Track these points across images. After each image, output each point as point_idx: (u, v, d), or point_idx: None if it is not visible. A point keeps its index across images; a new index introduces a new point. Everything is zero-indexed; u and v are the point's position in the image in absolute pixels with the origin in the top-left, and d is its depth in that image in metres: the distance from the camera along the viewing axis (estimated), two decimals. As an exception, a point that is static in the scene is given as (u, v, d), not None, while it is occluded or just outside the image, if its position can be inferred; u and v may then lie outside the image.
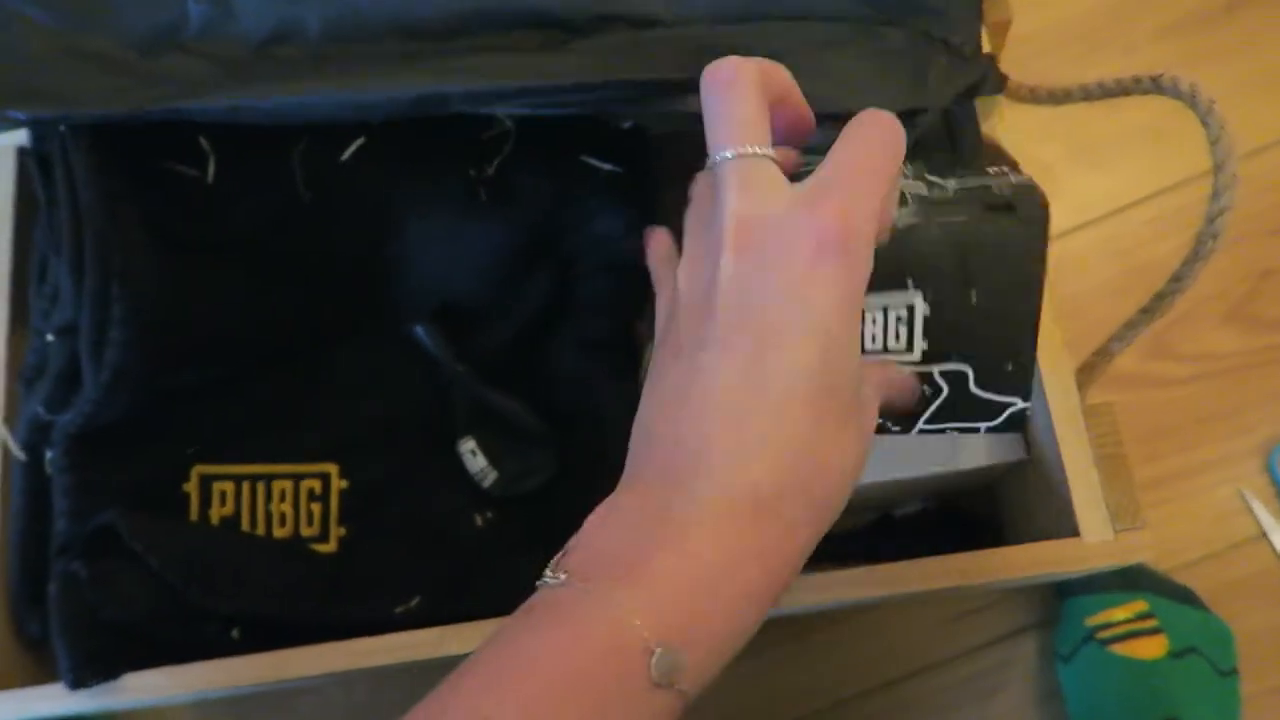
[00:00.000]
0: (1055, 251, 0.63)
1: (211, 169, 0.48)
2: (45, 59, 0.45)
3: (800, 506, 0.29)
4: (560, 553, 0.31)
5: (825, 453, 0.29)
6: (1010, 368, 0.37)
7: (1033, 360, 0.37)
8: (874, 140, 0.32)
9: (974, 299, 0.36)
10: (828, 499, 0.30)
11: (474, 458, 0.53)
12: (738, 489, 0.29)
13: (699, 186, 0.35)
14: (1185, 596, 0.54)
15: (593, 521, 0.31)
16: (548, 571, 0.30)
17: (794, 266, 0.29)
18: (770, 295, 0.29)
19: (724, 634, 0.28)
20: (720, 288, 0.30)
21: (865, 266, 0.30)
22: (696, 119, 0.40)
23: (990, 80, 0.42)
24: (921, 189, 0.37)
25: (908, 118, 0.41)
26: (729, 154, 0.31)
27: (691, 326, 0.31)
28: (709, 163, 0.32)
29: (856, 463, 0.31)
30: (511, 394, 0.53)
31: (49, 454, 0.46)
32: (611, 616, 0.27)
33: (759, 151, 0.31)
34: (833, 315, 0.29)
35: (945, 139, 0.45)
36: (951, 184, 0.37)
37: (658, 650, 0.27)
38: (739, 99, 0.32)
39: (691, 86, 0.40)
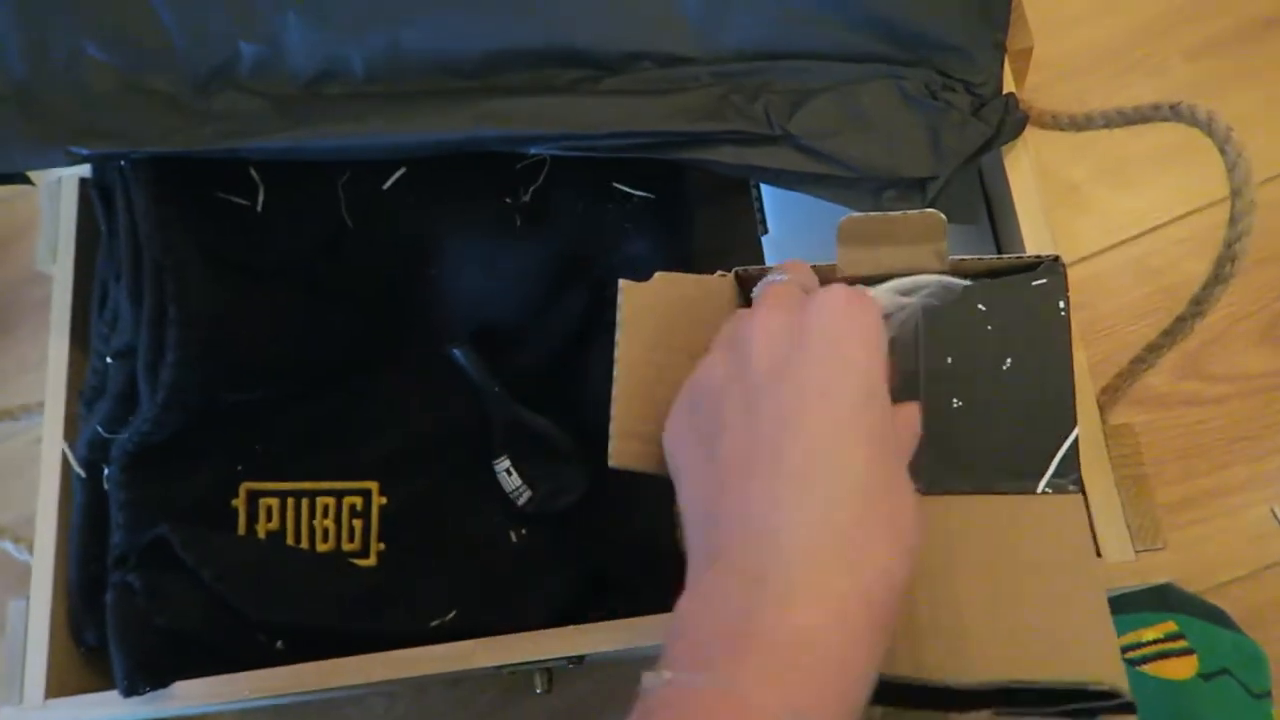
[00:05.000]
0: (1085, 272, 0.64)
1: (261, 199, 0.50)
2: (108, 97, 0.48)
3: (885, 543, 0.29)
4: (663, 651, 0.30)
5: (893, 488, 0.30)
6: None
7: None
8: None
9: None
10: (909, 529, 0.30)
11: (509, 476, 0.54)
12: (825, 545, 0.29)
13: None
14: (1217, 617, 0.54)
15: (685, 609, 0.30)
16: (651, 673, 0.29)
17: (823, 335, 0.31)
18: (808, 364, 0.31)
19: (845, 686, 0.28)
20: (758, 359, 0.31)
21: (879, 313, 0.33)
22: (718, 165, 0.42)
23: (1006, 129, 0.43)
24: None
25: (920, 185, 0.43)
26: (765, 280, 0.35)
27: (732, 397, 0.32)
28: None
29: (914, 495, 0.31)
30: (545, 413, 0.54)
31: (107, 471, 0.49)
32: (734, 698, 0.27)
33: (783, 277, 0.35)
34: (866, 361, 0.31)
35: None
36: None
37: (787, 718, 0.27)
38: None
39: (714, 139, 0.42)
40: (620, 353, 0.37)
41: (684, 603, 0.30)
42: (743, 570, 0.29)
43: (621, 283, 0.37)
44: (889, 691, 0.32)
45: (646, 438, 0.37)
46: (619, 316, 0.37)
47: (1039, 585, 0.35)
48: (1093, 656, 0.33)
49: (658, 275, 0.38)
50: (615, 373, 0.37)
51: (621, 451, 0.36)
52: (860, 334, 0.32)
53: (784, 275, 0.35)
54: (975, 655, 0.33)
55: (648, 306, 0.37)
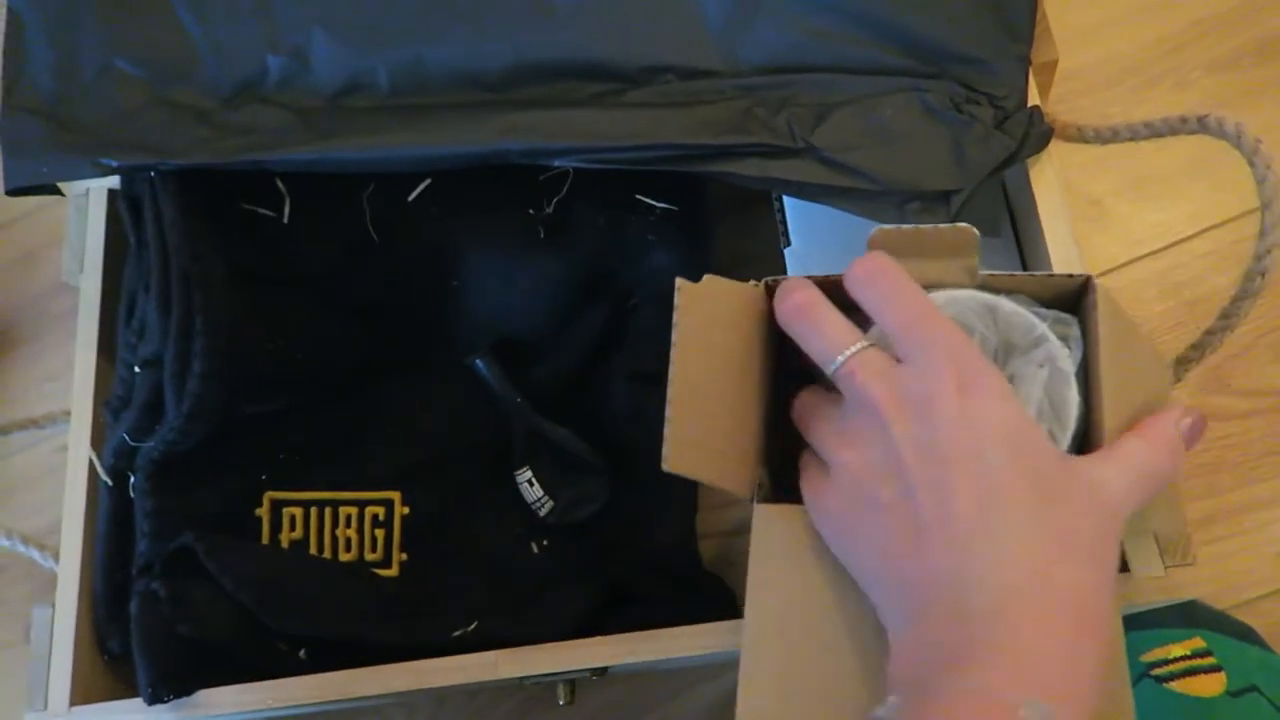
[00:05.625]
0: (1108, 286, 0.63)
1: (287, 210, 0.51)
2: (136, 110, 0.48)
3: (1068, 560, 0.32)
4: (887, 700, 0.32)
5: (1062, 515, 0.32)
6: None
7: None
8: None
9: None
10: (1089, 542, 0.33)
11: (531, 487, 0.54)
12: (1012, 574, 0.31)
13: (809, 398, 0.39)
14: (1244, 634, 0.53)
15: (900, 655, 0.33)
16: (881, 707, 0.32)
17: (948, 403, 0.33)
18: (943, 433, 0.33)
19: (1076, 678, 0.30)
20: (898, 446, 0.34)
21: (983, 358, 0.34)
22: (741, 178, 0.41)
23: (1031, 142, 0.43)
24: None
25: (944, 197, 0.43)
26: (840, 357, 0.36)
27: (882, 484, 0.34)
28: (827, 372, 0.36)
29: (1112, 504, 0.34)
30: (566, 424, 0.54)
31: (133, 479, 0.49)
32: (973, 693, 0.30)
33: (863, 345, 0.36)
34: (999, 414, 0.33)
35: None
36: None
37: (1024, 704, 0.29)
38: (820, 318, 0.37)
39: (737, 152, 0.42)
40: (676, 353, 0.37)
41: (897, 652, 0.33)
42: (946, 614, 0.32)
43: (679, 281, 0.37)
44: None
45: (699, 444, 0.37)
46: (675, 316, 0.37)
47: None
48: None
49: (707, 277, 0.38)
50: (670, 374, 0.37)
51: (677, 457, 0.37)
52: (986, 390, 0.33)
53: (860, 343, 0.36)
54: None
55: (700, 307, 0.38)
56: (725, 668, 0.57)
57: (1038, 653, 0.30)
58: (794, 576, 0.36)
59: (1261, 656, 0.53)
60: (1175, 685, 0.52)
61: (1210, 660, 0.52)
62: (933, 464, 0.33)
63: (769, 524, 0.38)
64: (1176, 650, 0.52)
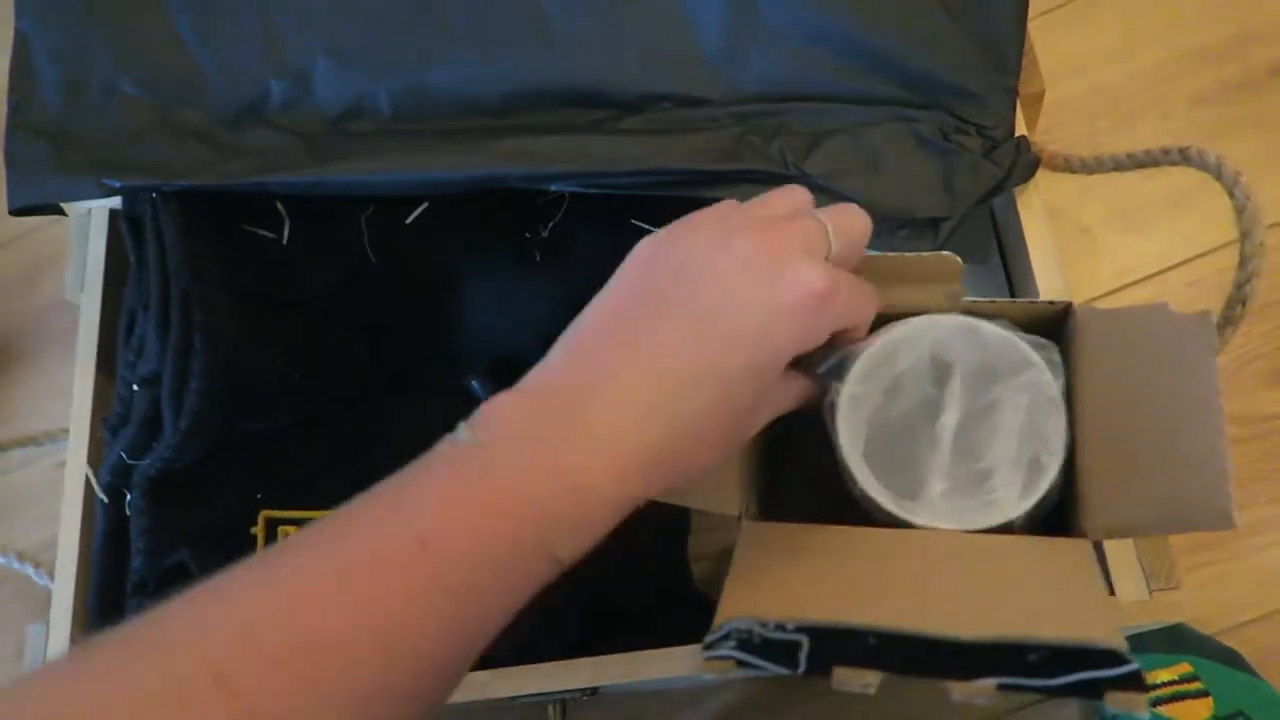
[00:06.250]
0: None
1: (286, 232, 0.51)
2: (141, 131, 0.49)
3: (694, 454, 0.34)
4: (480, 413, 0.35)
5: (738, 417, 0.35)
6: None
7: None
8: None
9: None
10: (724, 449, 0.35)
11: (524, 507, 0.54)
12: (656, 432, 0.33)
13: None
14: (1231, 659, 0.54)
15: (516, 401, 0.35)
16: (467, 429, 0.34)
17: (774, 287, 0.34)
18: (751, 298, 0.34)
19: (604, 525, 0.34)
20: (714, 261, 0.35)
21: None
22: None
23: (1018, 171, 0.44)
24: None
25: (932, 225, 0.44)
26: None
27: (679, 279, 0.36)
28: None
29: (747, 431, 0.36)
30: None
31: (129, 497, 0.49)
32: (530, 492, 0.32)
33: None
34: (784, 341, 0.34)
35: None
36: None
37: (562, 529, 0.32)
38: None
39: (731, 178, 0.43)
40: None
41: (519, 397, 0.35)
42: (577, 402, 0.34)
43: None
44: (890, 652, 0.32)
45: None
46: None
47: (1043, 565, 0.36)
48: (1093, 623, 0.33)
49: None
50: None
51: None
52: (798, 322, 0.34)
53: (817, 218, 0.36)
54: (978, 613, 0.33)
55: None
56: (717, 689, 0.58)
57: (601, 494, 0.33)
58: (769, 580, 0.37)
59: (1248, 682, 0.53)
60: (1163, 710, 0.52)
61: (1197, 685, 0.52)
62: (714, 293, 0.34)
63: (754, 537, 0.38)
64: (1164, 675, 0.53)
